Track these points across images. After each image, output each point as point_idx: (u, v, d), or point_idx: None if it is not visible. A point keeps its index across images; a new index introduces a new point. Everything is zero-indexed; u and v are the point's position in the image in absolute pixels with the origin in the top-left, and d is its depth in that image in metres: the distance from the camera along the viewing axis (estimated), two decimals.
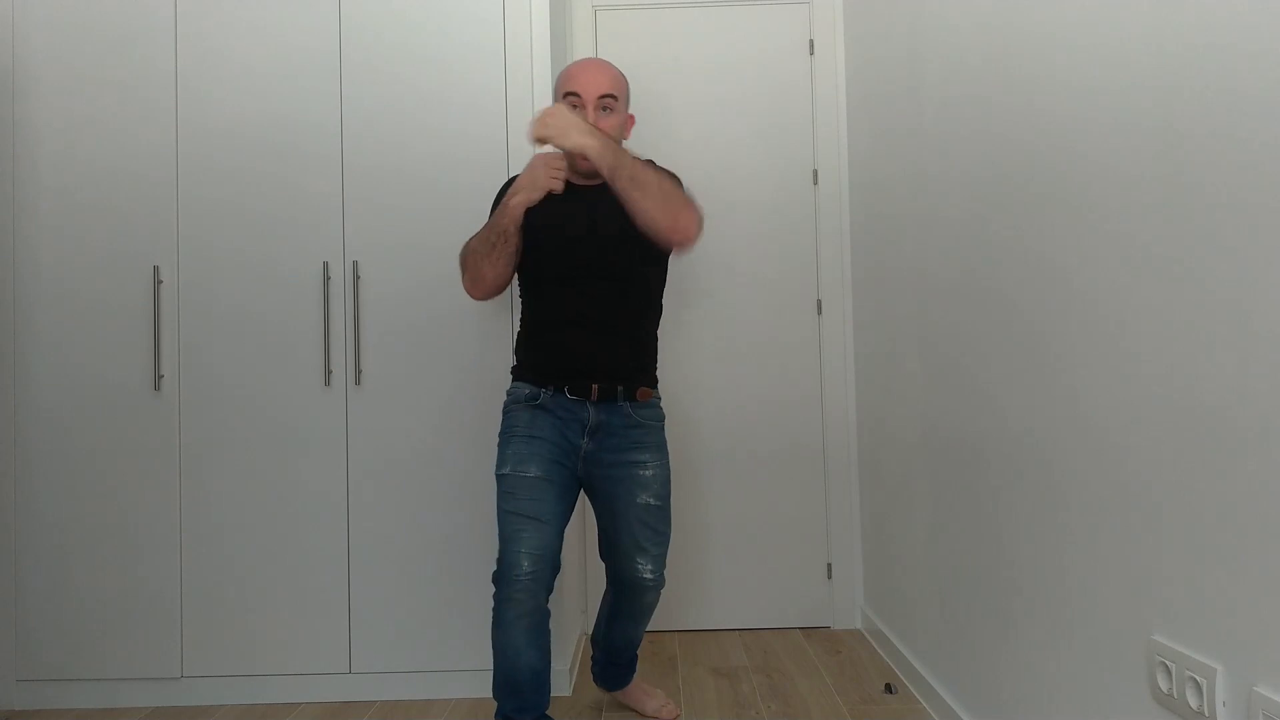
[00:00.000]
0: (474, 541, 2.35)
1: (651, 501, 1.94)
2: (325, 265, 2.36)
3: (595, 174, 1.79)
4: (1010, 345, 1.67)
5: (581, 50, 2.98)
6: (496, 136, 2.38)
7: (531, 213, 1.87)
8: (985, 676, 1.84)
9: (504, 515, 1.82)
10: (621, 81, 1.92)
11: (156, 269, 2.36)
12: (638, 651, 2.20)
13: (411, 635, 2.34)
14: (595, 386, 1.89)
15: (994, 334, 1.74)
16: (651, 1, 3.00)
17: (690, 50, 2.98)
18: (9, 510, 2.35)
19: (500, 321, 2.37)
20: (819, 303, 2.94)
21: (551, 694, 2.33)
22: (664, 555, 2.00)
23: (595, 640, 2.20)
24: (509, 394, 1.97)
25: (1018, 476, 1.65)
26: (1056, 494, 1.50)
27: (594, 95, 1.87)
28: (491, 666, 1.85)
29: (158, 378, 2.35)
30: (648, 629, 2.87)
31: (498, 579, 1.79)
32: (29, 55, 2.39)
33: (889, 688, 2.33)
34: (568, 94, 1.89)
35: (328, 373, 2.35)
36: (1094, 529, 1.38)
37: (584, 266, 1.89)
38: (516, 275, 1.98)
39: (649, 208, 1.73)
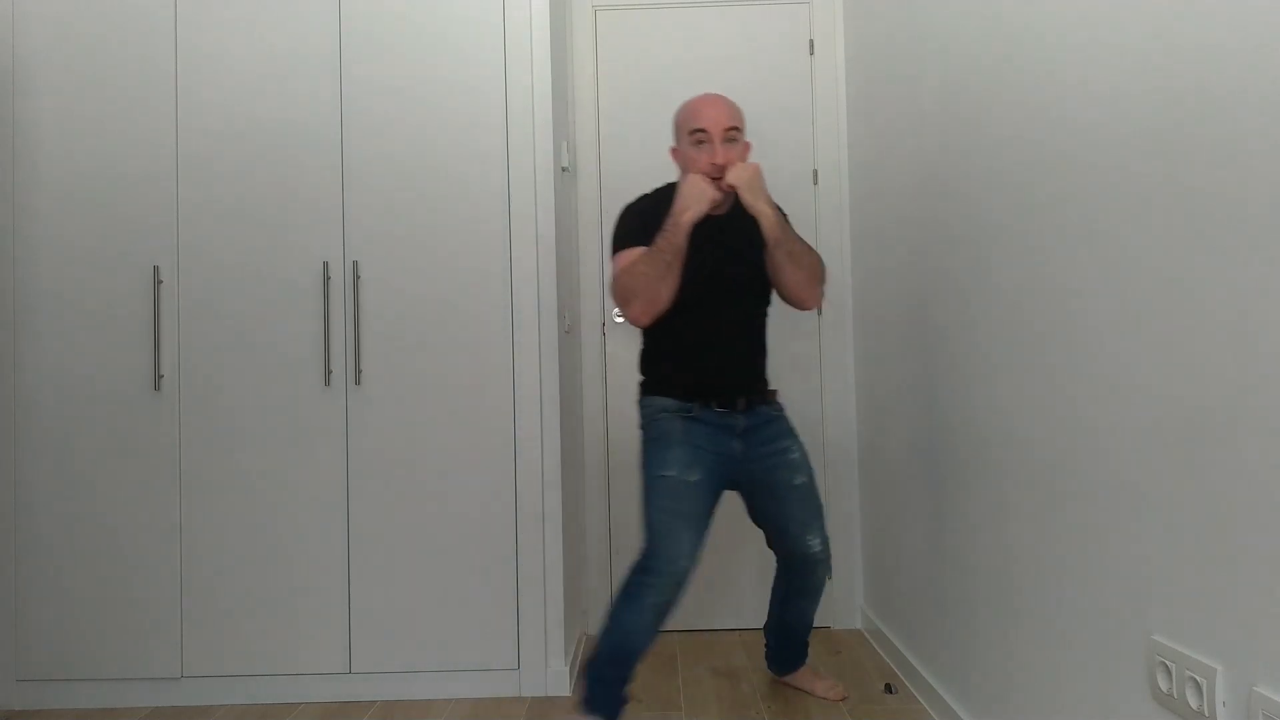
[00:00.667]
0: (475, 542, 2.35)
1: (806, 480, 2.11)
2: (325, 265, 2.36)
3: (723, 205, 2.01)
4: (1010, 345, 1.67)
5: (581, 50, 2.98)
6: (496, 135, 2.38)
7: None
8: (985, 676, 1.84)
9: (666, 512, 1.94)
10: (741, 114, 2.05)
11: (156, 269, 2.36)
12: (808, 637, 2.32)
13: (411, 635, 2.34)
14: (743, 400, 2.05)
15: (994, 334, 1.74)
16: (651, 1, 2.99)
17: (690, 50, 2.98)
18: (9, 510, 2.35)
19: (500, 320, 2.36)
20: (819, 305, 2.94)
21: (551, 694, 2.34)
22: (825, 526, 2.14)
23: (769, 628, 2.34)
24: (650, 406, 2.07)
25: (1018, 476, 1.65)
26: (1056, 494, 1.50)
27: (720, 129, 1.98)
28: (600, 645, 1.95)
29: (158, 378, 2.35)
30: None
31: (650, 568, 1.91)
32: (29, 55, 2.39)
33: (889, 688, 2.33)
34: (694, 130, 1.99)
35: (328, 373, 2.35)
36: (1094, 529, 1.38)
37: (731, 289, 2.04)
38: None
39: (796, 281, 2.02)
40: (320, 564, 2.35)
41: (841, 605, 2.90)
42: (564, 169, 2.71)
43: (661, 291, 1.92)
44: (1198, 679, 1.12)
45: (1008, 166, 1.66)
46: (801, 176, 2.97)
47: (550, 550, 2.35)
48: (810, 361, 2.95)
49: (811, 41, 2.98)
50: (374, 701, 2.33)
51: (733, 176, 1.96)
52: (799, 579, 2.17)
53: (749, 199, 1.95)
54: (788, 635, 2.28)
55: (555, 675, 2.33)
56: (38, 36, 2.39)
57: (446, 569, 2.35)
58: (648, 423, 2.07)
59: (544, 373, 2.36)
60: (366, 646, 2.34)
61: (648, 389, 2.10)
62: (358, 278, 2.37)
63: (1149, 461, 1.23)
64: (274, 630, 2.34)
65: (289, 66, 2.38)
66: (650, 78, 2.98)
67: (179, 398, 2.36)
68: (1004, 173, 1.68)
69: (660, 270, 1.91)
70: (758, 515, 2.13)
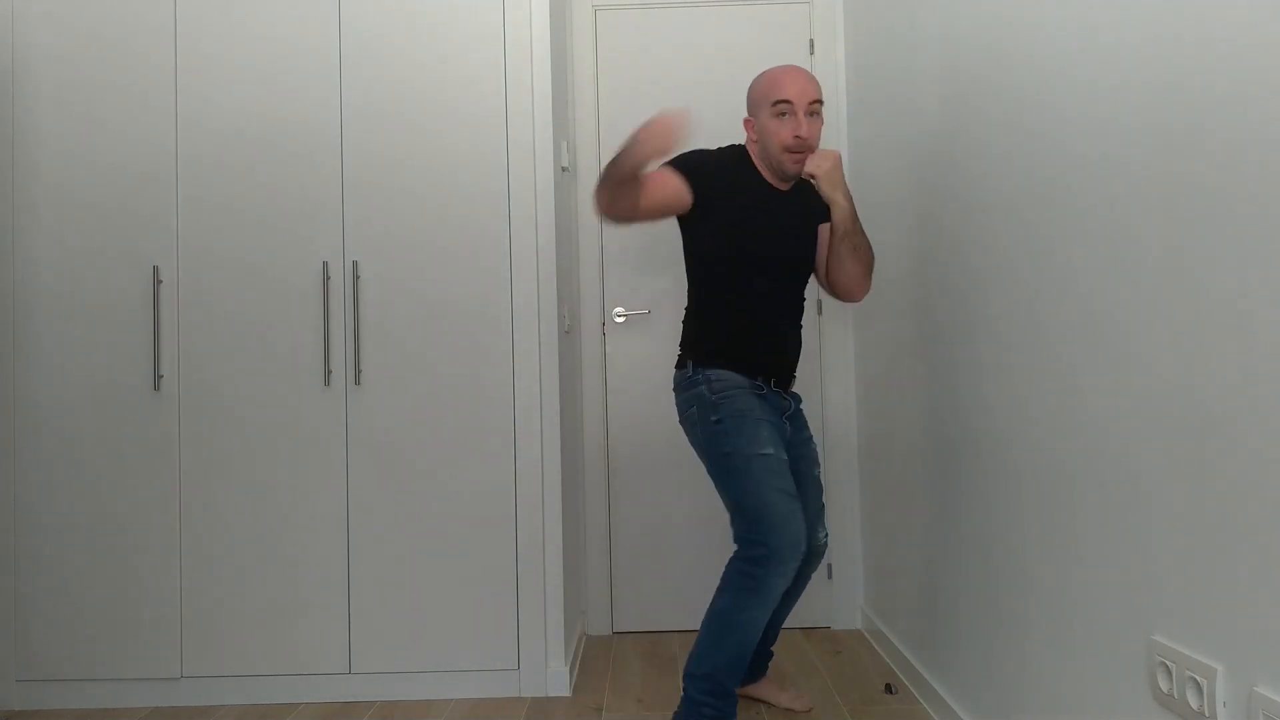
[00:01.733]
0: (474, 542, 2.35)
1: (820, 473, 2.17)
2: (325, 265, 2.36)
3: (791, 180, 2.02)
4: (1010, 345, 1.67)
5: (581, 50, 2.98)
6: (496, 135, 2.38)
7: (746, 211, 1.97)
8: (985, 677, 1.84)
9: (776, 493, 1.87)
10: (821, 88, 2.01)
11: (156, 269, 2.36)
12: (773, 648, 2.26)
13: (411, 635, 2.34)
14: (794, 380, 2.09)
15: (994, 334, 1.74)
16: (651, 1, 2.99)
17: (690, 50, 2.98)
18: (9, 510, 2.35)
19: (500, 320, 2.36)
20: (819, 303, 2.94)
21: (551, 694, 2.34)
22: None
23: None
24: (719, 379, 1.97)
25: (1018, 477, 1.65)
26: (1057, 494, 1.50)
27: (805, 102, 1.94)
28: (710, 651, 1.89)
29: (158, 378, 2.35)
30: (650, 629, 2.89)
31: (776, 554, 1.83)
32: (29, 55, 2.38)
33: (889, 688, 2.33)
34: (778, 101, 1.94)
35: (328, 373, 2.35)
36: (1094, 529, 1.38)
37: (792, 266, 2.04)
38: (716, 267, 2.01)
39: (853, 275, 2.02)
40: (320, 564, 2.35)
41: (841, 605, 2.90)
42: (564, 169, 2.71)
43: (616, 200, 1.82)
44: (1198, 679, 1.12)
45: (1008, 164, 1.66)
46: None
47: (550, 550, 2.35)
48: (809, 361, 2.94)
49: (811, 41, 2.98)
50: (374, 701, 2.33)
51: (813, 166, 1.96)
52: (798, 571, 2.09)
53: (827, 190, 1.97)
54: (763, 635, 2.13)
55: (555, 675, 2.33)
56: (38, 36, 2.38)
57: (446, 569, 2.35)
58: (720, 399, 1.94)
59: (544, 373, 2.36)
60: (366, 646, 2.34)
61: (706, 363, 1.99)
62: (357, 278, 2.37)
63: (1149, 461, 1.23)
64: (274, 630, 2.34)
65: (289, 66, 2.38)
66: (650, 78, 2.97)
67: (179, 398, 2.36)
68: (1004, 170, 1.68)
69: (613, 184, 1.80)
70: None
